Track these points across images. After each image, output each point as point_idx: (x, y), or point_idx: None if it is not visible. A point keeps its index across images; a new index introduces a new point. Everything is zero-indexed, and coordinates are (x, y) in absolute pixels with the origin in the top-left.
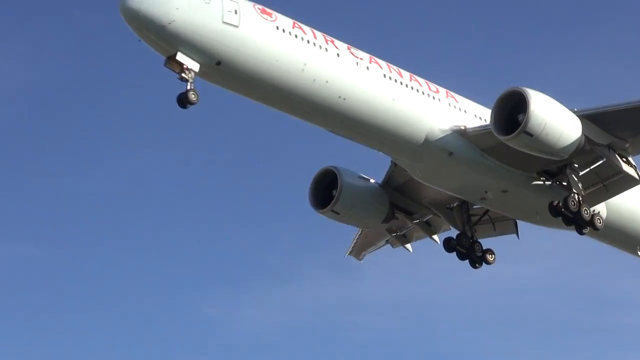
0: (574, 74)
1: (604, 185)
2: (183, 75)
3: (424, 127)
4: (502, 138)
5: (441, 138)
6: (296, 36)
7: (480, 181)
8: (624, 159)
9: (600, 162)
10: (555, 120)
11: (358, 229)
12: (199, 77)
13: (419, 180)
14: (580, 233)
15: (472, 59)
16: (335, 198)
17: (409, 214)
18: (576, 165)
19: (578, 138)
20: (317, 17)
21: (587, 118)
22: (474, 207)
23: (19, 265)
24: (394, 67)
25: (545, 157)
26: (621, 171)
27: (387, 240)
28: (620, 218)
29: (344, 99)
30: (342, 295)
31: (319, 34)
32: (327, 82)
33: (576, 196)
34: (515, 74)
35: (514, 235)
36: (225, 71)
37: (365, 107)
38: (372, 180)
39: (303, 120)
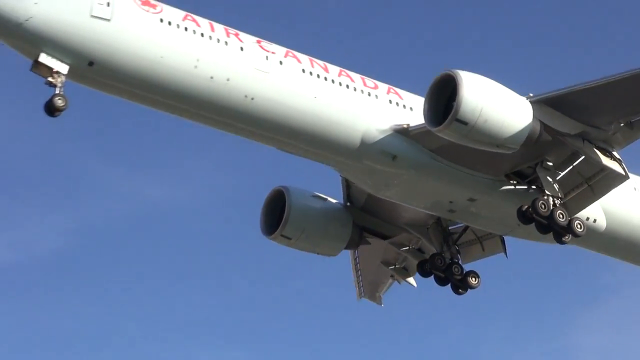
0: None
1: (588, 185)
2: (50, 79)
3: (358, 128)
4: (434, 130)
5: (380, 140)
6: (186, 29)
7: (440, 189)
8: (607, 153)
9: (581, 158)
10: (495, 104)
11: (350, 267)
12: (72, 80)
13: (375, 195)
14: (560, 242)
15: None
16: (283, 221)
17: (384, 237)
18: (550, 164)
19: (528, 125)
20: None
21: (544, 103)
22: (455, 225)
23: None
24: (319, 62)
25: (492, 149)
26: (602, 167)
27: (391, 275)
28: (622, 224)
29: (252, 98)
30: None
31: (219, 26)
32: (227, 79)
33: (550, 199)
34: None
35: (502, 255)
36: (100, 72)
37: (279, 107)
38: (333, 200)
39: (213, 128)
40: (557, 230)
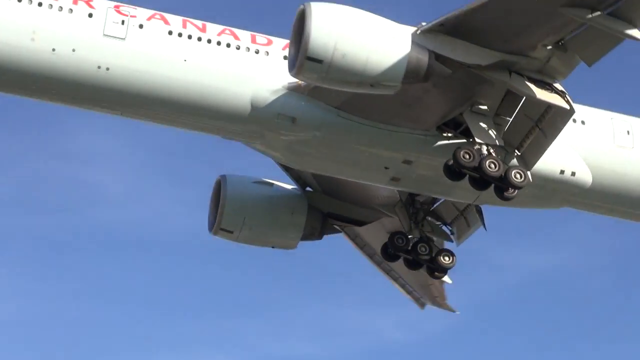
0: None
1: (539, 128)
2: None
3: (243, 91)
4: (292, 75)
5: (272, 102)
6: (19, 1)
7: (364, 153)
8: (547, 85)
9: (524, 99)
10: (354, 36)
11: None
12: None
13: (300, 169)
14: (503, 198)
15: None
16: (218, 212)
17: (358, 223)
18: (483, 107)
19: (404, 57)
20: None
21: (441, 32)
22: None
23: None
24: (196, 22)
25: (367, 90)
26: (538, 101)
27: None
28: (612, 177)
29: (107, 69)
30: None
31: None
32: (73, 50)
33: (483, 147)
34: None
35: (482, 228)
36: None
37: (141, 76)
38: (287, 185)
39: (76, 108)
40: (496, 185)
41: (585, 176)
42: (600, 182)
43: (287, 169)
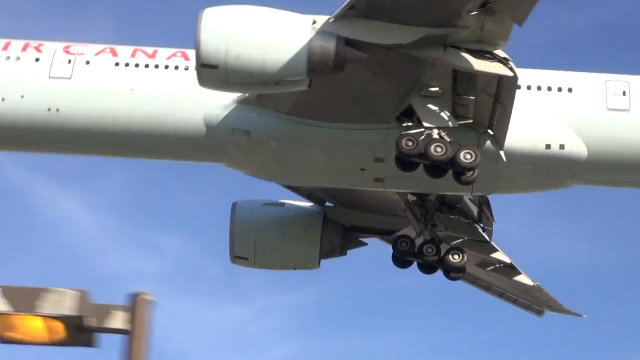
0: None
1: (498, 102)
2: None
3: (195, 110)
4: (200, 85)
5: (225, 117)
6: None
7: (333, 156)
8: (488, 54)
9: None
10: (245, 36)
11: None
12: None
13: (281, 183)
14: (461, 182)
15: None
16: (229, 240)
17: (386, 233)
18: (434, 89)
19: (303, 48)
20: None
21: (355, 16)
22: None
23: None
24: (146, 50)
25: (273, 90)
26: (477, 72)
27: None
28: (609, 145)
29: (57, 109)
30: None
31: (17, 42)
32: (22, 97)
33: (434, 131)
34: None
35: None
36: None
37: (91, 112)
38: (299, 203)
39: (41, 153)
40: (451, 169)
41: (577, 148)
42: (597, 152)
43: (293, 187)
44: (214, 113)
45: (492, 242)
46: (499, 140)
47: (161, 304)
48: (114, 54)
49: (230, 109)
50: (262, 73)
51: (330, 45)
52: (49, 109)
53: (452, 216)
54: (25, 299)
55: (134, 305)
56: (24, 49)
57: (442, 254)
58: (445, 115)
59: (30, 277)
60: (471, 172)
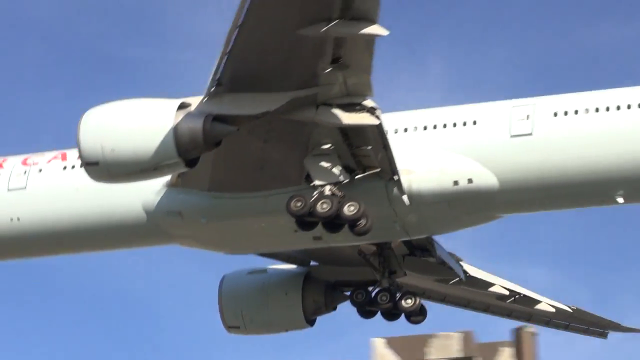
0: None
1: (383, 146)
2: None
3: (134, 200)
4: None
5: (159, 202)
6: None
7: (262, 224)
8: (358, 106)
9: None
10: (116, 129)
11: None
12: None
13: (233, 253)
14: (356, 233)
15: None
16: (219, 313)
17: (371, 283)
18: (326, 147)
19: (168, 133)
20: None
21: (223, 92)
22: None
23: None
24: None
25: (152, 176)
26: (345, 126)
27: None
28: (521, 170)
29: (18, 219)
30: None
31: None
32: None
33: (326, 188)
34: None
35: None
36: None
37: (49, 216)
38: (283, 266)
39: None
40: (344, 223)
41: (485, 179)
42: (507, 180)
43: (270, 253)
44: (149, 200)
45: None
46: (399, 185)
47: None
48: (64, 158)
49: (162, 193)
50: (137, 162)
51: (197, 125)
52: (11, 219)
53: (424, 258)
54: (411, 348)
55: (519, 339)
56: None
57: (396, 299)
58: (336, 170)
59: None
60: (361, 222)
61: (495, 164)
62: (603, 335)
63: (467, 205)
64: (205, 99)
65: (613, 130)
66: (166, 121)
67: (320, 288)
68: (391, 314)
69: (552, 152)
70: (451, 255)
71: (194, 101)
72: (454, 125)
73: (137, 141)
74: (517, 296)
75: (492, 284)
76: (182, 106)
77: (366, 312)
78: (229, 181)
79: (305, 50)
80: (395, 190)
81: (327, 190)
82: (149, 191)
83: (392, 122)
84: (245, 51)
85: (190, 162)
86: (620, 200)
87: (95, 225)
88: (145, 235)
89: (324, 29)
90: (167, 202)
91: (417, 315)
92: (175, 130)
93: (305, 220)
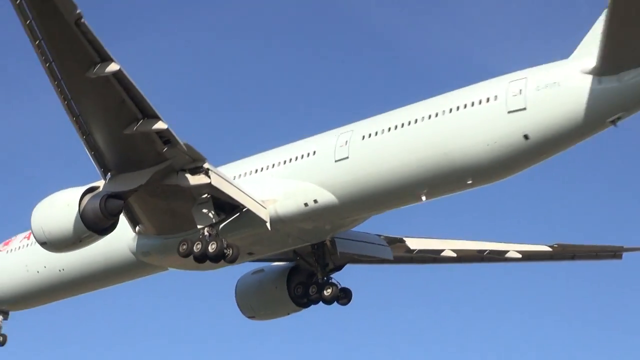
0: None
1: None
2: None
3: (121, 245)
4: None
5: (136, 245)
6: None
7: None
8: (200, 169)
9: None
10: (47, 215)
11: None
12: None
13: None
14: (227, 262)
15: None
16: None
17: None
18: (204, 196)
19: (76, 214)
20: None
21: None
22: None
23: None
24: None
25: (77, 247)
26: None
27: None
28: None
29: (62, 269)
30: None
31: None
32: (38, 270)
33: (205, 230)
34: None
35: None
36: None
37: (86, 263)
38: (275, 264)
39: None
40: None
41: (327, 197)
42: (344, 195)
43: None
44: (131, 244)
45: None
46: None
47: None
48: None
49: (136, 239)
50: (65, 239)
51: (95, 204)
52: (59, 270)
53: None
54: None
55: None
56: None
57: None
58: (211, 214)
59: None
60: (227, 252)
61: (330, 185)
62: (618, 256)
63: (324, 218)
64: (106, 181)
65: (411, 141)
66: (74, 207)
67: (303, 277)
68: (327, 300)
69: (367, 169)
70: (385, 238)
71: (101, 184)
72: (302, 156)
73: (60, 225)
74: (485, 252)
75: (442, 250)
76: (91, 190)
77: (303, 303)
78: (163, 227)
79: (140, 141)
80: (261, 217)
81: (206, 231)
82: (129, 238)
83: (254, 163)
84: (99, 148)
85: (104, 231)
86: (424, 198)
87: (104, 268)
88: (139, 268)
89: (134, 128)
90: (140, 245)
91: (342, 298)
92: (82, 212)
93: (197, 257)
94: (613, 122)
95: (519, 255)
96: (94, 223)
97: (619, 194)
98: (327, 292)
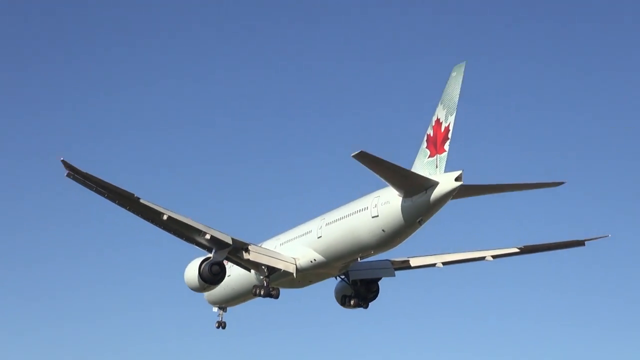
0: None
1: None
2: None
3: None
4: None
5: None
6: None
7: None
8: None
9: None
10: (187, 276)
11: None
12: None
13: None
14: (272, 297)
15: None
16: None
17: None
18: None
19: (196, 275)
20: None
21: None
22: None
23: None
24: None
25: None
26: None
27: None
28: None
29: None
30: None
31: None
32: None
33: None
34: None
35: None
36: None
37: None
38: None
39: None
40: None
41: (319, 257)
42: (326, 255)
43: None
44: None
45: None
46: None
47: None
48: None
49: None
50: (197, 287)
51: (204, 268)
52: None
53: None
54: None
55: None
56: None
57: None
58: (262, 270)
59: None
60: (273, 292)
61: (318, 250)
62: (581, 243)
63: (323, 267)
64: (212, 254)
65: (343, 229)
66: (196, 269)
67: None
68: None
69: (329, 242)
70: (393, 262)
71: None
72: (304, 234)
73: (190, 281)
74: (464, 260)
75: (434, 263)
76: (206, 259)
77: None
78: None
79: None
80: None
81: (264, 280)
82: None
83: (289, 235)
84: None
85: (214, 282)
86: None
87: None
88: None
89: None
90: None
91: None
92: (199, 272)
93: (263, 295)
94: (419, 221)
95: (492, 260)
96: (206, 279)
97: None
98: (353, 302)
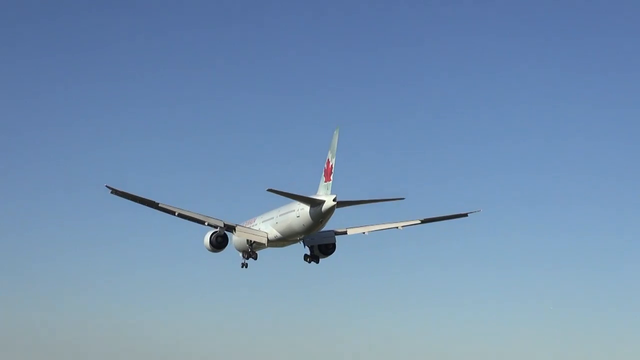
0: None
1: None
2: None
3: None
4: None
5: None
6: None
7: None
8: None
9: None
10: (204, 242)
11: None
12: None
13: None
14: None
15: None
16: None
17: None
18: None
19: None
20: None
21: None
22: None
23: None
24: None
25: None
26: None
27: None
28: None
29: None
30: None
31: None
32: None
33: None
34: None
35: None
36: None
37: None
38: None
39: None
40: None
41: (279, 235)
42: (282, 234)
43: None
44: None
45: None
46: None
47: None
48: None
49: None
50: (208, 249)
51: (213, 236)
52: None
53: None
54: None
55: None
56: None
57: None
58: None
59: None
60: (253, 255)
61: (278, 231)
62: (465, 215)
63: (283, 240)
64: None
65: (283, 220)
66: (208, 238)
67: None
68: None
69: (280, 228)
70: (332, 232)
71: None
72: (272, 218)
73: (205, 245)
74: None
75: (363, 232)
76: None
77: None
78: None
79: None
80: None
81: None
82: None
83: (265, 217)
84: None
85: (220, 248)
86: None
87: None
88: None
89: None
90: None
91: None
92: (210, 240)
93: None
94: (321, 221)
95: (402, 228)
96: (214, 244)
97: None
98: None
